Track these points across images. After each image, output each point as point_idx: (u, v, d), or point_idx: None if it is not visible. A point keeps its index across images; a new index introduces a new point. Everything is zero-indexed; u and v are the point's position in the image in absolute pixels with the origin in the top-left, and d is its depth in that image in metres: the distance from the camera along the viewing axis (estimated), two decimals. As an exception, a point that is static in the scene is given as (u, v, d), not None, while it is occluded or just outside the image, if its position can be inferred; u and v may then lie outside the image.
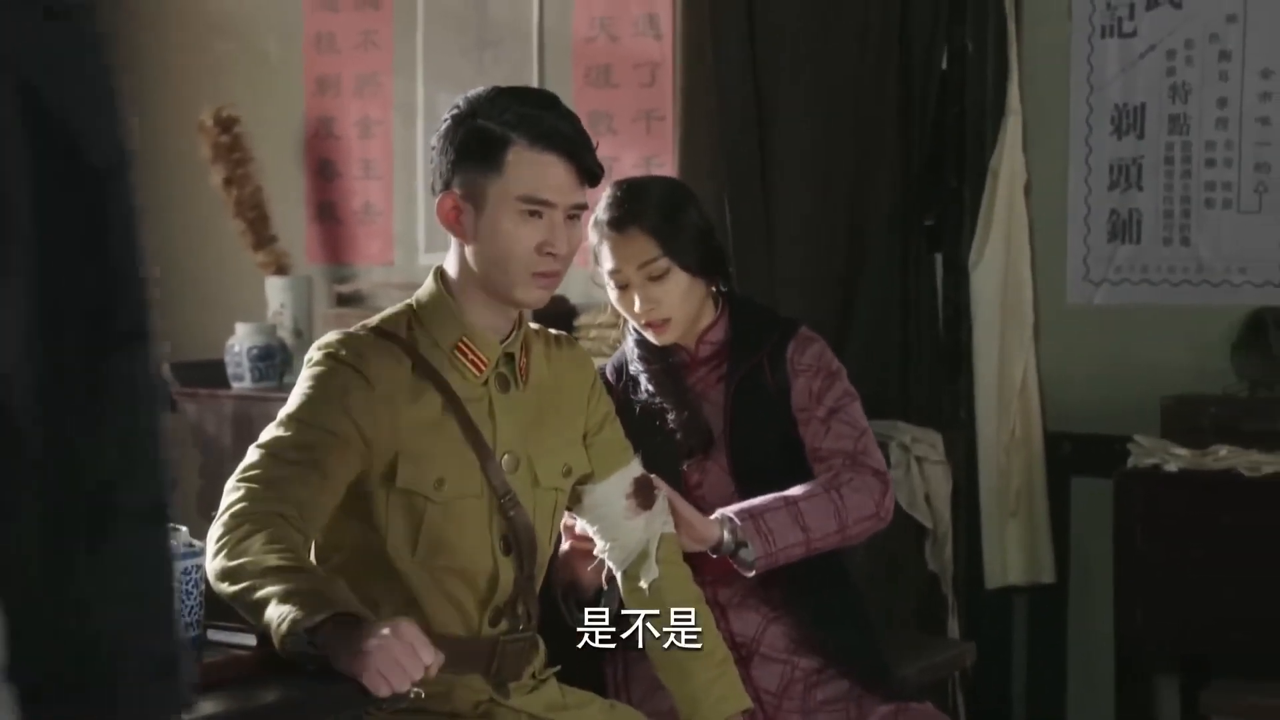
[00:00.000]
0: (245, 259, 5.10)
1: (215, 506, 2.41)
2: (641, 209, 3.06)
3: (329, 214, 5.26)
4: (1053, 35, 4.56)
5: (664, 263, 3.04)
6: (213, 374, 4.84)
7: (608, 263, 3.07)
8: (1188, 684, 4.31)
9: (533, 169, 2.57)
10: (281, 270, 5.06)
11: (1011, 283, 4.51)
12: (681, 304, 3.07)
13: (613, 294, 3.09)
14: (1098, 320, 4.51)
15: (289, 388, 4.53)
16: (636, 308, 3.06)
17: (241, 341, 4.79)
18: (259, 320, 4.90)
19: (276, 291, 5.00)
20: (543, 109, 2.62)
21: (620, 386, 3.13)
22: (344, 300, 5.09)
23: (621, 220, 3.04)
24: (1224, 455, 3.96)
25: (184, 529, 2.27)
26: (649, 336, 3.11)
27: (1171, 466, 4.04)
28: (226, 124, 5.04)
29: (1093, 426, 4.43)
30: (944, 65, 4.50)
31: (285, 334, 4.92)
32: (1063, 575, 4.54)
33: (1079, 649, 4.56)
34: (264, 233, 5.06)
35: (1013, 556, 4.48)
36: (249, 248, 5.06)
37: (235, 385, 4.80)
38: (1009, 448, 4.48)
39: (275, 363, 4.80)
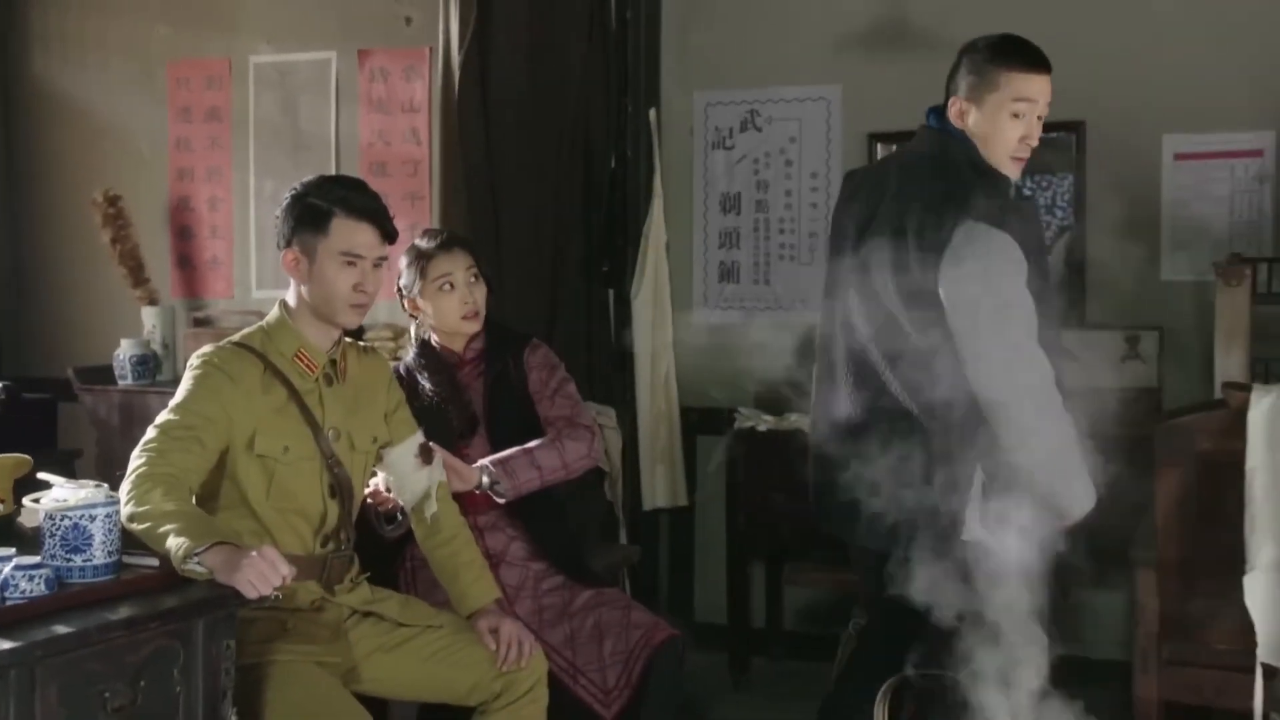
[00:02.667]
0: (127, 294, 4.86)
1: (111, 468, 2.36)
2: (456, 238, 3.07)
3: (187, 263, 5.05)
4: (682, 147, 4.62)
5: (477, 268, 3.01)
6: (104, 375, 4.62)
7: (440, 270, 2.97)
8: (772, 567, 4.42)
9: (349, 232, 2.51)
10: (153, 302, 4.84)
11: (658, 308, 4.52)
12: (484, 304, 3.03)
13: (438, 298, 2.98)
14: (714, 333, 4.53)
15: (161, 384, 4.46)
16: (461, 303, 2.98)
17: (125, 352, 4.59)
18: (137, 337, 4.69)
19: (149, 317, 4.79)
20: (355, 190, 2.55)
21: (409, 384, 3.04)
22: (198, 323, 4.90)
23: (449, 242, 3.02)
24: (794, 420, 4.01)
25: (105, 485, 2.16)
26: (464, 327, 3.01)
27: (762, 428, 4.11)
28: (112, 200, 4.81)
29: (711, 402, 4.47)
30: (613, 165, 4.50)
31: (156, 347, 4.72)
32: (692, 500, 4.58)
33: (703, 547, 4.61)
34: (140, 276, 4.85)
35: (660, 488, 4.50)
36: (130, 287, 4.84)
37: (120, 383, 4.59)
38: (657, 417, 4.50)
39: (149, 367, 4.62)
